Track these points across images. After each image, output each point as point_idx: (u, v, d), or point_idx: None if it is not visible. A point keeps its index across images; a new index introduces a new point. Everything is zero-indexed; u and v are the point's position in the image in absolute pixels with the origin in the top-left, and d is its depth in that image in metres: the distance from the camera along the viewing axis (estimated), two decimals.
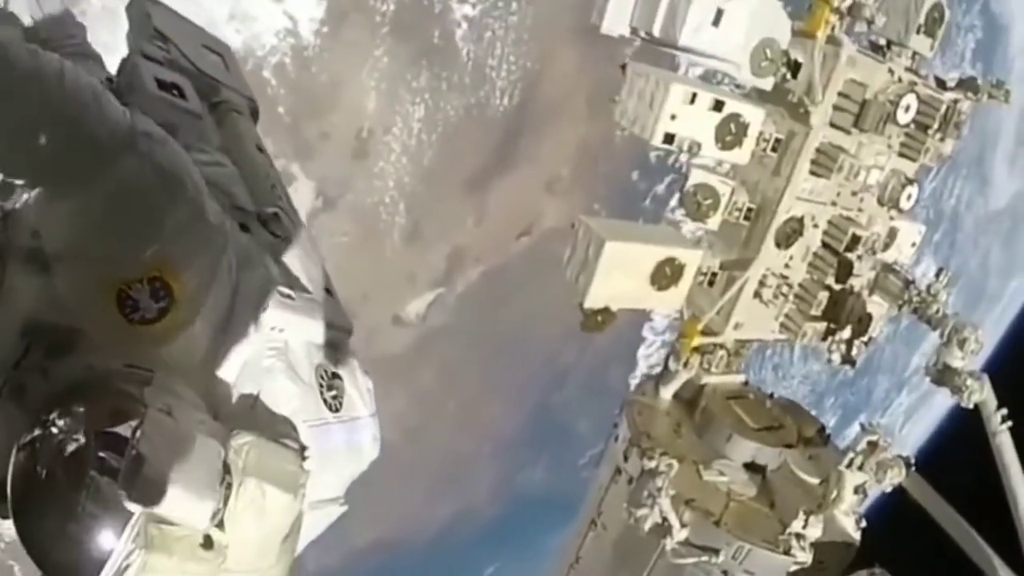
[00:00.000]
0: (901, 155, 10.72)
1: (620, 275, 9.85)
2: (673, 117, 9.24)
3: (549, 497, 48.11)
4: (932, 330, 10.79)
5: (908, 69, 10.31)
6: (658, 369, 12.48)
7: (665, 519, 9.99)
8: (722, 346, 11.61)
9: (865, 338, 11.31)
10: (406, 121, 43.33)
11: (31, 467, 3.10)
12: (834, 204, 10.68)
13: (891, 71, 10.12)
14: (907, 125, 10.33)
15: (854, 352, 11.23)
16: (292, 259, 4.37)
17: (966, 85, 10.71)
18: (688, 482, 10.51)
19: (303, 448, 3.71)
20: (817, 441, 11.74)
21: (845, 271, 10.63)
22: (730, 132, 9.56)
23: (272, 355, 3.87)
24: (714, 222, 10.71)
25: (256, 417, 3.72)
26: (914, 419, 61.26)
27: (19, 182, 3.30)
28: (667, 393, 11.81)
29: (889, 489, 10.26)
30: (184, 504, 3.11)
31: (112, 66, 5.13)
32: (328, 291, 4.40)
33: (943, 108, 10.37)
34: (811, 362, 53.35)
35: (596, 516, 11.81)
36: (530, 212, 46.94)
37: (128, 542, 3.04)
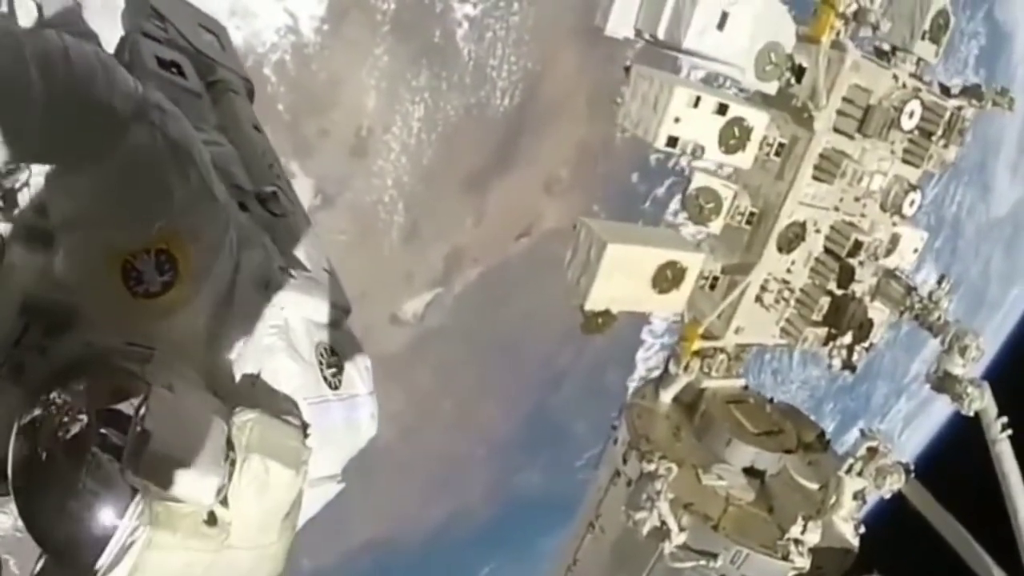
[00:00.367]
0: (904, 161, 10.71)
1: (621, 277, 9.83)
2: (677, 120, 9.23)
3: (545, 498, 48.19)
4: (933, 337, 10.76)
5: (912, 75, 10.29)
6: (657, 372, 12.46)
7: (664, 522, 9.97)
8: (723, 350, 11.60)
9: (866, 344, 11.31)
10: (406, 120, 43.32)
11: (31, 446, 3.10)
12: (837, 209, 10.68)
13: (896, 77, 10.11)
14: (911, 131, 10.32)
15: (855, 358, 11.22)
16: (291, 238, 4.37)
17: (970, 92, 10.71)
18: (687, 486, 10.49)
19: (305, 425, 3.72)
20: (817, 447, 11.74)
21: (847, 277, 10.62)
22: (734, 136, 9.55)
23: (273, 333, 3.88)
24: (716, 226, 10.68)
25: (257, 394, 3.73)
26: (913, 426, 61.39)
27: (35, 162, 3.29)
28: (667, 396, 11.80)
29: (888, 495, 10.26)
30: (189, 481, 3.10)
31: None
32: (327, 270, 4.39)
33: (947, 115, 10.35)
34: (810, 367, 53.43)
35: (594, 519, 11.80)
36: (529, 213, 46.95)
37: (133, 519, 3.04)
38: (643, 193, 48.66)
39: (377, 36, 41.25)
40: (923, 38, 10.11)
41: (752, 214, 10.62)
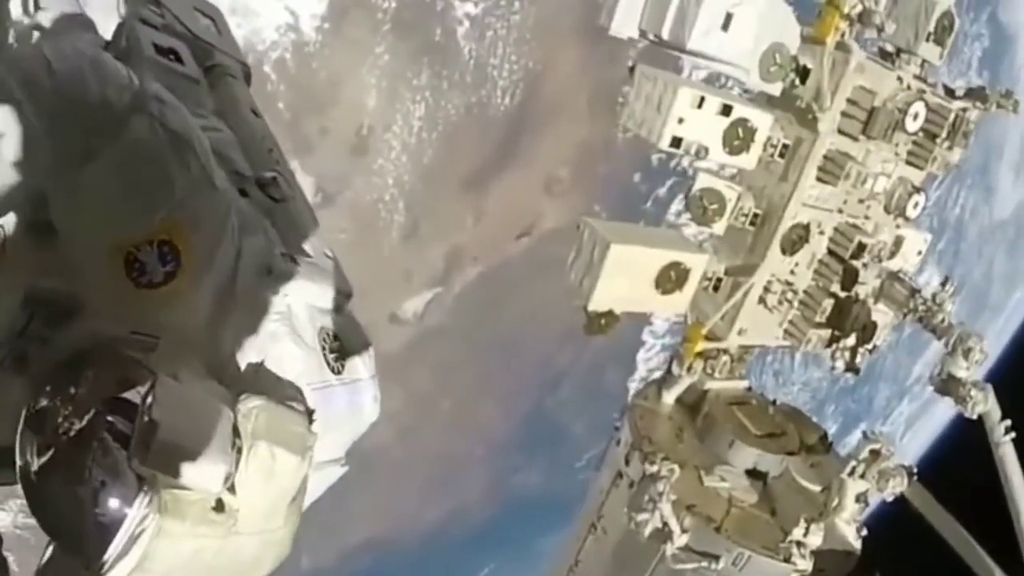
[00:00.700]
0: (908, 163, 10.70)
1: (625, 278, 9.84)
2: (681, 121, 9.22)
3: (545, 499, 48.14)
4: (937, 340, 10.76)
5: (917, 77, 10.28)
6: (657, 373, 12.46)
7: (666, 524, 9.96)
8: (726, 351, 11.59)
9: (869, 346, 11.29)
10: (406, 119, 43.27)
11: (39, 435, 3.11)
12: (840, 211, 10.68)
13: (900, 79, 10.10)
14: (915, 133, 10.31)
15: (858, 360, 11.21)
16: (292, 223, 4.37)
17: (975, 94, 10.70)
18: (689, 487, 10.48)
19: (310, 411, 3.73)
20: (819, 449, 11.71)
21: (850, 279, 10.61)
22: (738, 137, 9.54)
23: (276, 319, 3.88)
24: (720, 227, 10.66)
25: (262, 381, 3.72)
26: (915, 428, 61.32)
27: (47, 176, 3.28)
28: (670, 398, 11.78)
29: (891, 498, 10.24)
30: (198, 469, 3.11)
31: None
32: (328, 255, 4.39)
33: (951, 117, 10.35)
34: (812, 369, 53.33)
35: (596, 520, 11.78)
36: (530, 213, 46.88)
37: (142, 507, 3.04)
38: (644, 193, 48.62)
39: (378, 35, 41.21)
40: (928, 40, 10.10)
41: (756, 215, 10.61)
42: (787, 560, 9.94)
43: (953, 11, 10.15)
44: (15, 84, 3.12)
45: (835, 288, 10.75)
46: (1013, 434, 10.86)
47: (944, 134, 10.36)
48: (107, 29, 4.80)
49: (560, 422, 51.19)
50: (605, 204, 46.05)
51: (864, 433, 10.45)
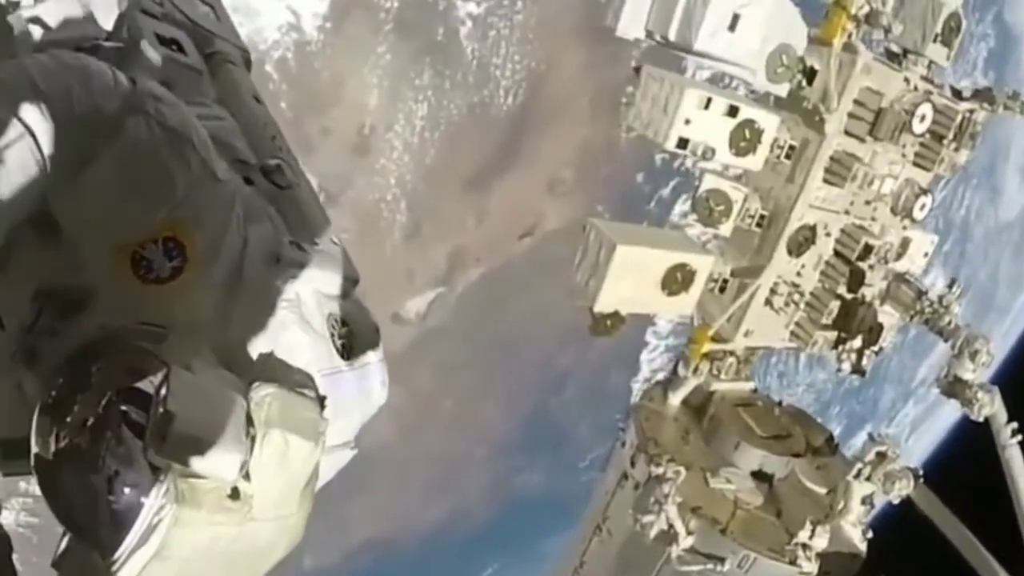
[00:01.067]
0: (915, 165, 10.69)
1: (631, 279, 9.82)
2: (687, 122, 9.22)
3: (548, 500, 48.15)
4: (943, 342, 10.76)
5: (924, 78, 10.27)
6: (661, 374, 12.47)
7: (671, 526, 9.95)
8: (732, 353, 11.57)
9: (876, 348, 11.28)
10: (408, 118, 43.26)
11: (53, 426, 3.12)
12: (847, 213, 10.67)
13: (907, 80, 10.09)
14: (922, 135, 10.28)
15: (864, 362, 11.20)
16: (297, 210, 4.37)
17: (982, 95, 10.70)
18: (695, 489, 10.47)
19: (322, 397, 3.69)
20: (825, 451, 11.70)
21: (857, 280, 10.60)
22: (744, 138, 9.53)
23: (284, 307, 3.87)
24: (726, 228, 10.63)
25: (272, 369, 3.69)
26: (920, 430, 61.20)
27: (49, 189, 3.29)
28: (675, 399, 11.77)
29: (897, 500, 10.23)
30: (214, 459, 3.11)
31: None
32: (333, 240, 4.38)
33: (958, 118, 10.34)
34: (816, 370, 53.25)
35: (601, 521, 11.77)
36: (532, 213, 46.83)
37: (159, 497, 3.05)
38: (648, 193, 48.52)
39: (380, 34, 41.21)
40: (935, 41, 10.09)
41: (762, 217, 10.59)
42: (793, 562, 9.94)
43: (960, 12, 10.14)
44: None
45: (841, 290, 10.74)
46: (1020, 436, 10.86)
47: (951, 136, 10.36)
48: (108, 20, 4.78)
49: (563, 423, 51.17)
50: (608, 204, 45.98)
51: (870, 435, 10.41)
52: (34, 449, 3.16)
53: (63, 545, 3.41)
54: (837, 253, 10.73)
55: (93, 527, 3.14)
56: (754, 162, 9.78)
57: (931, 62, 10.31)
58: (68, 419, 3.10)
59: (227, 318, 3.72)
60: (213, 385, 3.32)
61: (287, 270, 3.90)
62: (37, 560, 3.58)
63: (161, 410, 3.03)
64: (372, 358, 4.22)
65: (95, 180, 3.25)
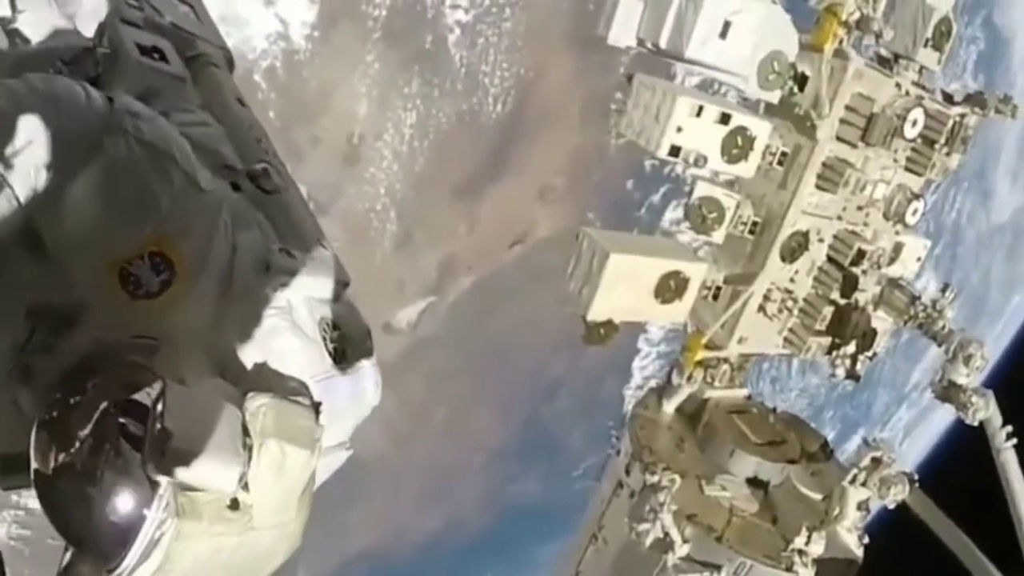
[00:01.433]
0: (907, 169, 10.72)
1: (624, 288, 9.83)
2: (679, 130, 9.21)
3: (542, 508, 48.11)
4: (937, 346, 10.77)
5: (915, 83, 10.30)
6: (653, 381, 12.48)
7: (667, 534, 9.96)
8: (726, 360, 11.59)
9: (869, 353, 11.29)
10: (398, 127, 43.22)
11: (52, 444, 3.07)
12: (840, 218, 10.68)
13: (898, 85, 10.11)
14: (914, 140, 10.32)
15: (858, 367, 11.20)
16: (285, 214, 4.34)
17: (973, 100, 10.71)
18: (690, 497, 10.47)
19: (317, 404, 3.69)
20: (820, 456, 11.71)
21: (850, 286, 10.61)
22: (736, 145, 9.53)
23: (275, 314, 3.82)
24: (719, 235, 10.65)
25: (265, 377, 3.70)
26: (914, 434, 61.32)
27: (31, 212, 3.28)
28: (670, 407, 11.78)
29: (892, 505, 10.22)
30: (212, 473, 3.14)
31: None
32: (322, 244, 4.36)
33: (950, 123, 10.37)
34: (809, 375, 53.32)
35: (597, 530, 11.77)
36: (523, 221, 46.79)
37: (160, 511, 3.05)
38: (638, 200, 48.53)
39: (368, 43, 41.17)
40: (926, 46, 10.12)
41: (755, 223, 10.60)
42: (789, 569, 9.95)
43: (951, 17, 10.17)
44: None
45: (835, 295, 10.76)
46: (1015, 440, 10.87)
47: (943, 140, 10.39)
48: (90, 28, 4.75)
49: (556, 431, 51.15)
50: (598, 211, 45.94)
51: (865, 440, 10.42)
52: (34, 465, 3.12)
53: (66, 559, 3.42)
54: (830, 259, 10.74)
55: (93, 539, 3.11)
56: (746, 169, 9.78)
57: (922, 67, 10.34)
58: (66, 434, 3.05)
59: (219, 327, 3.70)
60: (208, 398, 3.34)
61: (277, 277, 3.86)
62: (29, 573, 3.57)
63: (159, 426, 3.04)
64: (364, 361, 4.23)
65: (77, 201, 3.24)
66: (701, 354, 11.32)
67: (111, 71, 4.32)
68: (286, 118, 39.84)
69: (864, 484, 10.08)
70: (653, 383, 12.44)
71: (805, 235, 10.52)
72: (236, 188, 4.14)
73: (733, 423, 11.48)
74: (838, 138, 10.06)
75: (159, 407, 3.08)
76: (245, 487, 3.29)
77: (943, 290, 10.79)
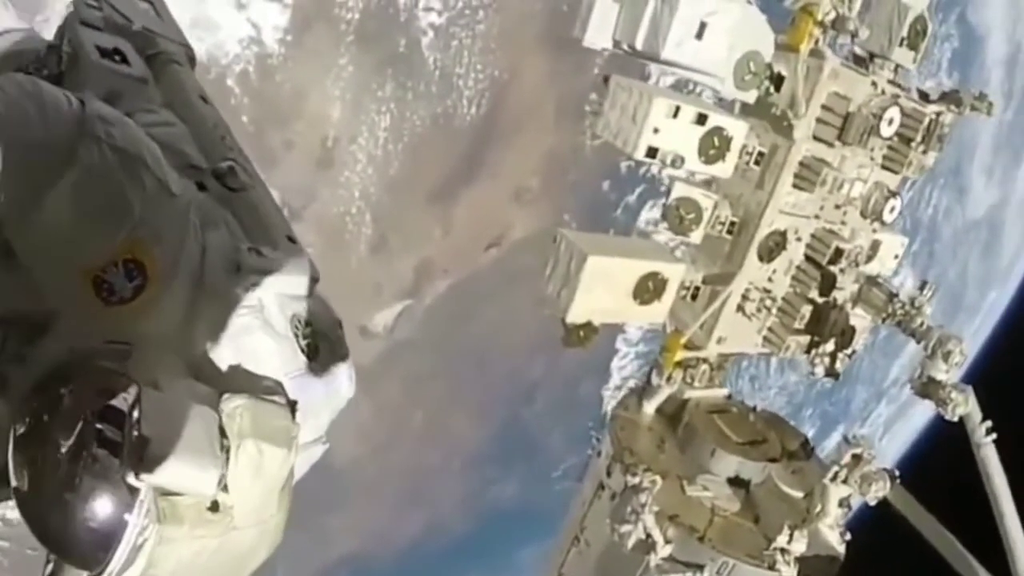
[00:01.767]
0: (884, 168, 10.76)
1: (602, 290, 9.83)
2: (656, 131, 9.21)
3: (522, 510, 48.11)
4: (916, 343, 10.81)
5: (891, 82, 10.34)
6: (632, 381, 12.50)
7: (649, 535, 9.96)
8: (705, 360, 11.61)
9: (849, 351, 11.32)
10: (372, 130, 43.09)
11: (29, 452, 3.10)
12: (817, 217, 10.71)
13: (874, 84, 10.15)
14: (890, 138, 10.36)
15: (838, 365, 11.24)
16: (252, 211, 4.32)
17: (949, 98, 10.77)
18: (672, 498, 10.48)
19: (292, 403, 3.70)
20: (800, 455, 11.75)
21: (828, 284, 10.65)
22: (713, 146, 9.53)
23: (246, 313, 3.81)
24: (697, 236, 10.68)
25: (240, 377, 3.71)
26: (893, 430, 61.65)
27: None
28: (650, 408, 11.78)
29: (874, 502, 10.25)
30: (191, 476, 3.15)
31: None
32: (290, 238, 4.33)
33: (926, 121, 10.42)
34: (788, 373, 53.55)
35: (579, 532, 11.75)
36: (499, 223, 46.75)
37: (141, 517, 3.06)
38: (614, 201, 48.59)
39: (341, 46, 41.04)
40: (901, 44, 10.16)
41: (733, 223, 10.63)
42: (771, 567, 9.96)
43: (926, 16, 10.22)
44: None
45: (813, 294, 10.78)
46: (995, 435, 10.92)
47: (919, 138, 10.43)
48: (48, 31, 4.71)
49: (535, 433, 51.12)
50: (574, 213, 45.97)
51: (845, 437, 10.46)
52: (12, 474, 3.13)
53: (48, 570, 3.39)
54: (808, 258, 10.77)
55: (73, 545, 3.12)
56: (723, 169, 9.78)
57: (898, 65, 10.38)
58: (46, 443, 3.06)
59: (191, 328, 3.69)
60: (184, 401, 3.32)
61: (248, 277, 3.85)
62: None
63: (136, 434, 3.04)
64: (341, 366, 4.22)
65: (51, 210, 3.21)
66: (680, 354, 11.33)
67: (72, 72, 4.32)
68: (259, 122, 39.66)
69: (845, 481, 10.11)
70: (632, 383, 12.47)
71: (783, 234, 10.54)
72: (202, 187, 4.13)
73: (713, 423, 11.49)
74: (815, 137, 10.08)
75: (135, 413, 3.07)
76: (224, 488, 3.29)
77: (921, 287, 10.83)
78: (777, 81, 9.74)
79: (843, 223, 10.89)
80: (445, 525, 50.77)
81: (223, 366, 3.73)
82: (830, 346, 11.02)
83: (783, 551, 9.93)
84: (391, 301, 46.55)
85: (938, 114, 10.51)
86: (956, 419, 10.71)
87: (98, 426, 3.04)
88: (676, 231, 10.70)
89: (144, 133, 3.65)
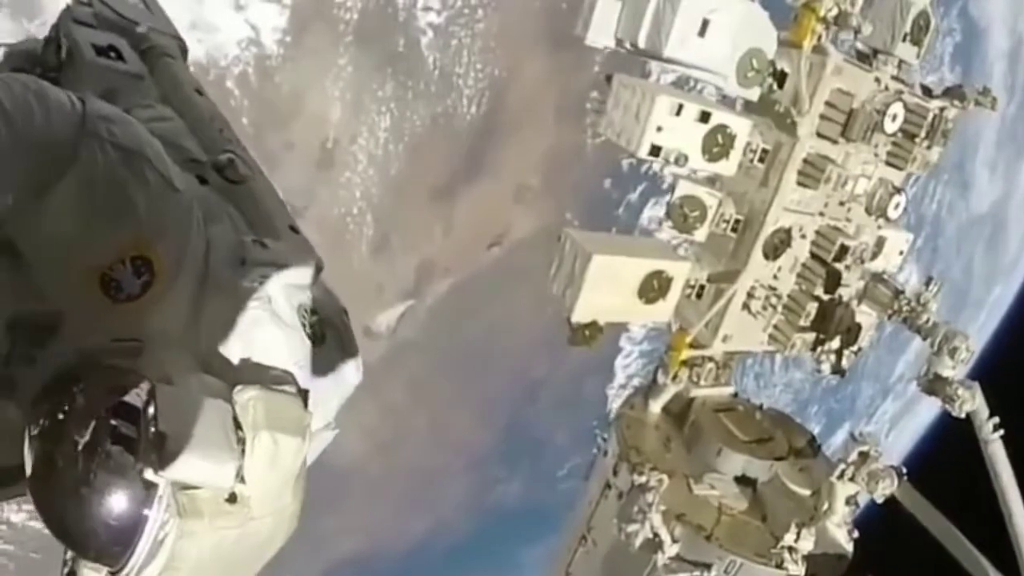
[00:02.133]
0: (888, 164, 10.72)
1: (607, 289, 9.81)
2: (659, 129, 9.18)
3: (527, 509, 48.15)
4: (922, 339, 10.78)
5: (895, 77, 10.30)
6: (636, 379, 12.51)
7: (656, 534, 9.95)
8: (711, 359, 11.58)
9: (854, 348, 11.30)
10: (372, 131, 43.06)
11: (44, 452, 3.12)
12: (822, 214, 10.68)
13: (878, 80, 10.12)
14: (894, 134, 10.33)
15: (844, 362, 11.22)
16: (254, 202, 4.33)
17: (953, 93, 10.74)
18: (679, 497, 10.47)
19: (304, 392, 3.71)
20: (807, 452, 11.73)
21: (833, 281, 10.62)
22: (717, 143, 9.51)
23: (254, 306, 3.81)
24: (701, 234, 10.65)
25: (250, 369, 3.70)
26: (899, 426, 61.61)
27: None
28: (656, 407, 11.78)
29: (881, 500, 10.23)
30: (209, 470, 3.15)
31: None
32: (292, 228, 4.33)
33: (930, 116, 10.37)
34: (793, 370, 53.47)
35: (586, 532, 11.74)
36: (500, 222, 46.74)
37: (161, 512, 3.10)
38: (616, 199, 48.55)
39: (340, 46, 41.00)
40: (904, 40, 10.12)
41: (737, 221, 10.60)
42: (779, 566, 9.95)
43: (929, 11, 10.17)
44: None
45: (818, 291, 10.75)
46: (1002, 431, 10.89)
47: (923, 134, 10.39)
48: (41, 31, 4.70)
49: (539, 431, 51.15)
50: (576, 211, 45.92)
51: (851, 435, 10.44)
52: (29, 474, 3.14)
53: (66, 570, 3.42)
54: (813, 255, 10.75)
55: (89, 540, 3.14)
56: (727, 167, 9.76)
57: (901, 61, 10.33)
58: (61, 442, 3.07)
59: (199, 322, 3.70)
60: (197, 395, 3.32)
61: (253, 270, 3.85)
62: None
63: (152, 430, 3.05)
64: (349, 362, 4.23)
65: (56, 210, 3.21)
66: (686, 353, 11.30)
67: (69, 71, 4.34)
68: (259, 124, 39.65)
69: (852, 479, 10.09)
70: (636, 382, 12.50)
71: (787, 232, 10.52)
72: (202, 181, 4.15)
73: (720, 421, 11.48)
74: (818, 134, 10.04)
75: (151, 409, 3.08)
76: (241, 480, 3.30)
77: (927, 283, 10.79)
78: (780, 78, 9.72)
79: (848, 220, 10.85)
80: (450, 525, 50.81)
81: (233, 359, 3.73)
82: (836, 343, 10.99)
83: (791, 549, 9.91)
84: (393, 301, 46.55)
85: (942, 109, 10.47)
86: (963, 416, 10.67)
87: (112, 422, 3.06)
88: (680, 229, 10.68)
89: (145, 129, 3.65)
